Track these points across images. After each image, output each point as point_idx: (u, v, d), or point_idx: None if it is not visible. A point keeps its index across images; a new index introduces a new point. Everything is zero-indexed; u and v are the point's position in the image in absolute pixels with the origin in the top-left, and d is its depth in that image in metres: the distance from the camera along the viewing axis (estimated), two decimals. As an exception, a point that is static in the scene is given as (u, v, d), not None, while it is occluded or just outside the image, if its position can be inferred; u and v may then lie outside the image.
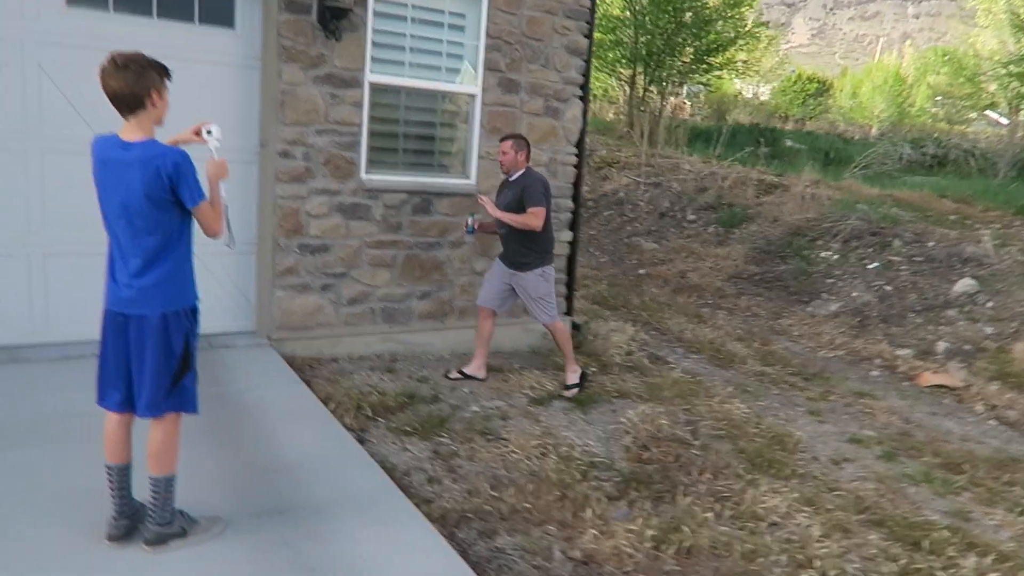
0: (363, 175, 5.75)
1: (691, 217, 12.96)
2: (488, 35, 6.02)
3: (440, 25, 5.92)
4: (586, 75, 6.50)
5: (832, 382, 6.94)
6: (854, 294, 9.46)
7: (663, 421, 5.06)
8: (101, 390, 3.03)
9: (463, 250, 6.26)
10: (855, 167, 14.38)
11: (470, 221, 5.59)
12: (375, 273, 5.93)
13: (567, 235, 6.75)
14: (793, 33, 79.62)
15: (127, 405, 3.02)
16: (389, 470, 4.06)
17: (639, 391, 5.85)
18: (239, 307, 5.67)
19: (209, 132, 3.29)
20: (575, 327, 6.94)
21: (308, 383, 5.10)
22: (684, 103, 21.94)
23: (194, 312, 3.12)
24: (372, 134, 5.79)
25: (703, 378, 6.46)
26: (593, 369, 6.23)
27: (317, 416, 4.51)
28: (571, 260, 6.81)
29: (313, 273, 5.68)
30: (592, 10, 6.42)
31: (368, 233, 5.80)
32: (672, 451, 4.72)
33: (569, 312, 6.94)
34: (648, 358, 6.83)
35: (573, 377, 5.69)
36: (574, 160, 6.64)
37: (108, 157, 2.86)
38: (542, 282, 5.48)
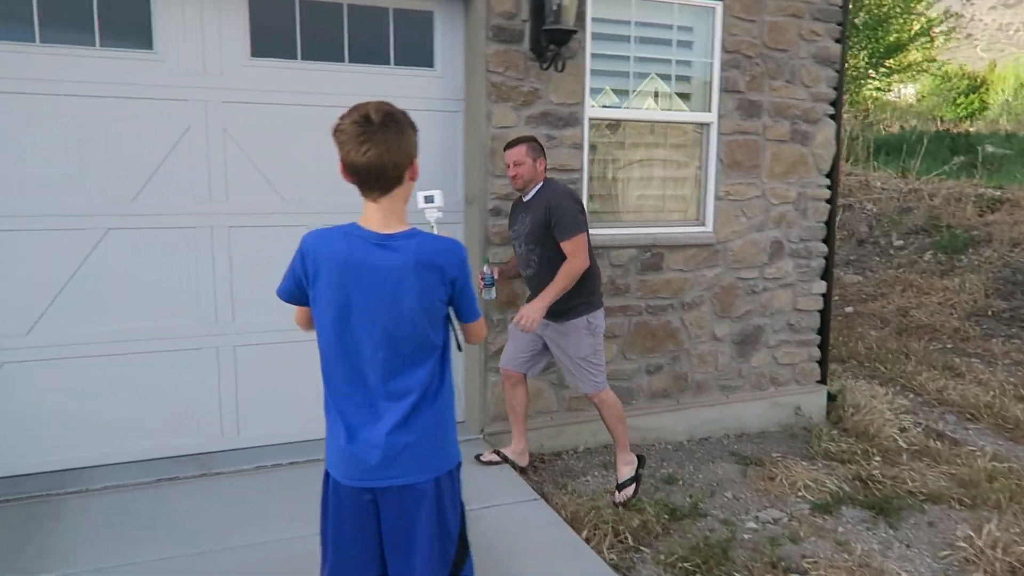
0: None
1: (898, 243, 11.32)
2: (724, 49, 4.94)
3: (667, 43, 4.89)
4: (839, 88, 5.30)
5: None
6: None
7: (1022, 547, 3.74)
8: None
9: (699, 312, 5.15)
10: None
11: (486, 271, 4.14)
12: (600, 346, 4.90)
13: (820, 286, 5.51)
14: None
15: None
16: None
17: (950, 490, 4.52)
18: (445, 394, 4.77)
19: (430, 199, 2.53)
20: (830, 398, 5.67)
21: (543, 495, 4.11)
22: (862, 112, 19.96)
23: (459, 467, 2.21)
24: (591, 179, 4.81)
25: (1017, 464, 5.03)
26: (877, 460, 4.93)
27: (570, 548, 3.50)
28: (824, 316, 5.56)
29: (530, 350, 4.72)
30: (845, 9, 5.23)
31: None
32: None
33: (823, 380, 5.68)
34: (928, 434, 5.47)
35: (628, 471, 4.22)
36: (826, 193, 5.43)
37: (362, 262, 1.97)
38: (587, 336, 4.00)
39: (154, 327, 4.10)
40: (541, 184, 4.01)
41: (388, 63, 4.39)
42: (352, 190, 2.08)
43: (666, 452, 5.03)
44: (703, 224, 5.14)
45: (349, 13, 4.28)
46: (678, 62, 4.93)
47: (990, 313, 8.89)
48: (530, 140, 4.00)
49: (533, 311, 3.79)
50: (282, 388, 4.36)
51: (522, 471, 4.36)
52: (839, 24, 5.23)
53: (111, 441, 4.10)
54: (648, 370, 5.09)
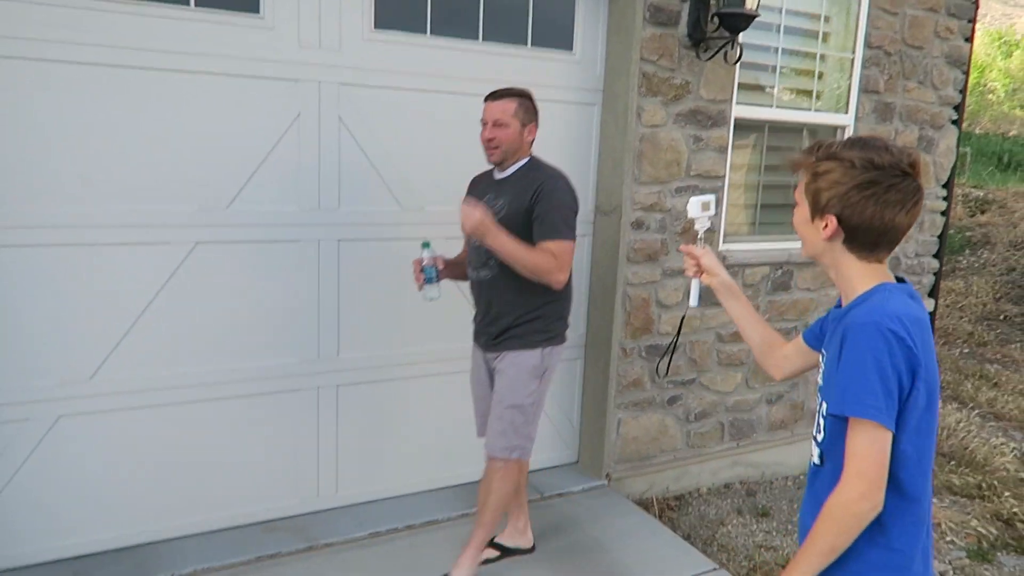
0: (722, 245, 4.17)
1: (887, 240, 11.21)
2: (868, 44, 4.42)
3: (812, 35, 4.32)
4: (964, 92, 4.88)
5: None
6: None
7: None
8: None
9: (821, 334, 4.66)
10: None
11: (426, 260, 2.86)
12: (726, 376, 4.35)
13: (928, 304, 5.12)
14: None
15: None
16: None
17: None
18: (557, 432, 4.12)
19: (708, 206, 2.15)
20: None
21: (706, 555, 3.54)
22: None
23: None
24: (731, 188, 4.22)
25: None
26: (1007, 494, 4.59)
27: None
28: (931, 335, 5.17)
29: (659, 383, 4.12)
30: (976, 5, 4.79)
31: (723, 323, 4.22)
32: None
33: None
34: (1028, 460, 5.20)
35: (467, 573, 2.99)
36: (942, 205, 5.03)
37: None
38: (529, 378, 2.85)
39: (246, 367, 3.27)
40: (526, 160, 2.89)
41: (525, 43, 3.64)
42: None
43: (789, 489, 4.54)
44: (829, 238, 4.63)
45: (485, -20, 3.51)
46: (813, 57, 4.37)
47: (1002, 318, 8.85)
48: (522, 96, 2.86)
49: (485, 233, 2.65)
50: (384, 433, 3.61)
51: (531, 551, 3.31)
52: (970, 21, 4.80)
53: (191, 506, 3.26)
54: (768, 400, 4.57)
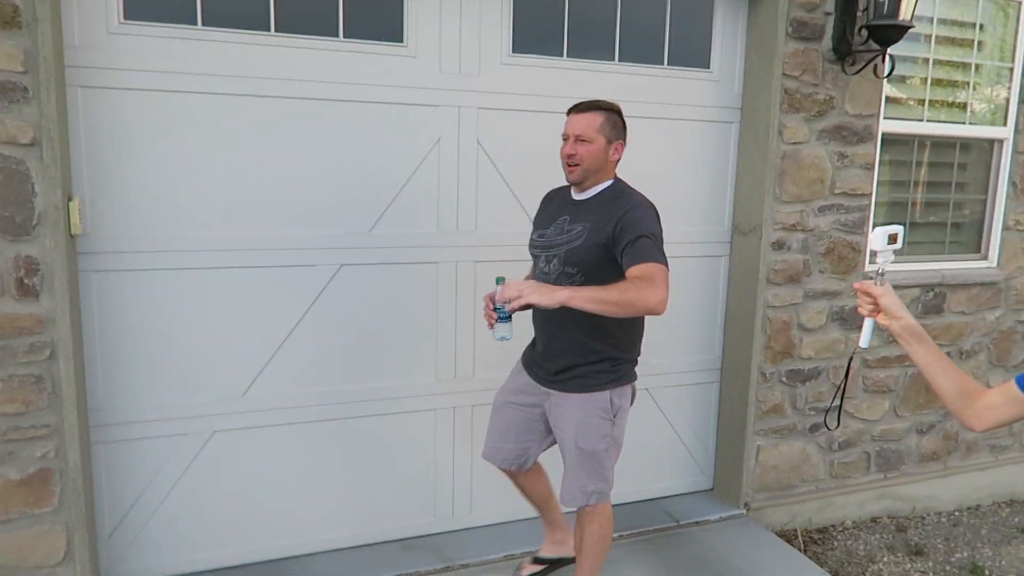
0: (868, 266, 3.97)
1: None
2: (1029, 52, 4.13)
3: (965, 44, 4.08)
4: None
5: None
6: None
7: None
8: None
9: (976, 361, 4.36)
10: None
11: (498, 297, 2.43)
12: (873, 403, 4.12)
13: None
14: None
15: None
16: None
17: None
18: (691, 457, 4.00)
19: (894, 239, 1.95)
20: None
21: (864, 600, 3.33)
22: None
23: None
24: (877, 206, 4.02)
25: None
26: None
27: None
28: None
29: (801, 410, 3.94)
30: None
31: (869, 348, 4.00)
32: None
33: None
34: None
35: None
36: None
37: None
38: (602, 421, 2.60)
39: (385, 386, 3.34)
40: (609, 183, 2.59)
41: (661, 62, 3.60)
42: None
43: (943, 527, 4.24)
44: (985, 258, 4.34)
45: (623, 1, 3.49)
46: (965, 68, 4.11)
47: None
48: (611, 110, 2.57)
49: (540, 291, 2.25)
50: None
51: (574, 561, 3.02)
52: None
53: (329, 522, 3.34)
54: (919, 430, 4.29)
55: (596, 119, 2.54)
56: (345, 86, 3.08)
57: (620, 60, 3.51)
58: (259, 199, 3.03)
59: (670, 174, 3.67)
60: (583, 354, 2.58)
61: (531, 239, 2.74)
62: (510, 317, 2.52)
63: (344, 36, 3.06)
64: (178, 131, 2.89)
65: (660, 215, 2.54)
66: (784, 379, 3.86)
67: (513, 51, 3.33)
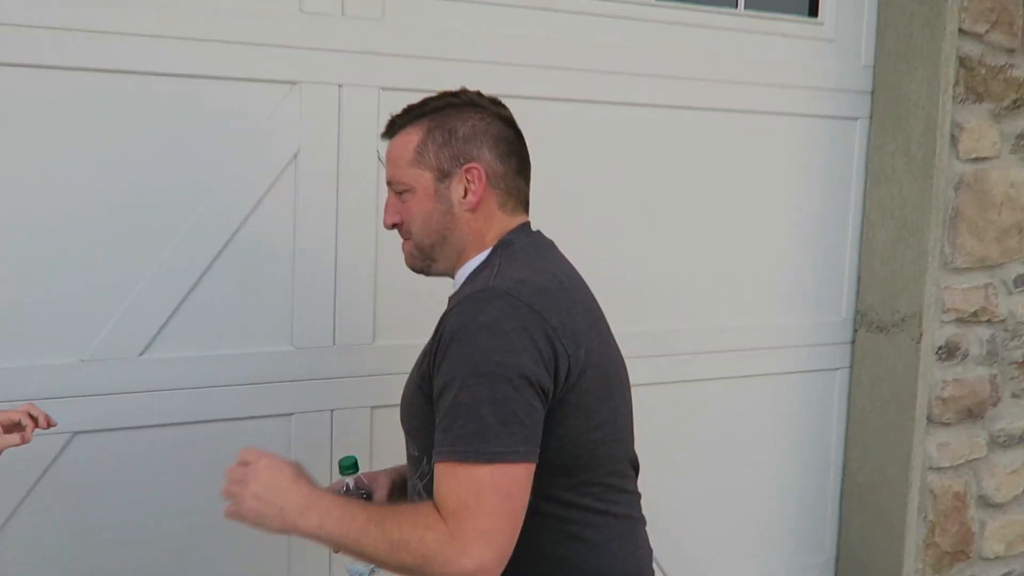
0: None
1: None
2: None
3: None
4: None
5: None
6: None
7: None
8: None
9: None
10: None
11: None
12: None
13: None
14: None
15: None
16: None
17: None
18: None
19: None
20: None
21: None
22: None
23: None
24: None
25: None
26: None
27: None
28: None
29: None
30: None
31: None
32: None
33: None
34: None
35: None
36: None
37: None
38: None
39: None
40: (482, 258, 1.09)
41: (730, 2, 1.87)
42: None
43: None
44: None
45: None
46: None
47: None
48: (437, 110, 1.10)
49: (257, 499, 0.97)
50: None
51: None
52: None
53: None
54: None
55: (410, 140, 1.10)
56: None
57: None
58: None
59: (729, 215, 1.94)
60: None
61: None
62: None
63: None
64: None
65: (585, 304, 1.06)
66: (956, 597, 2.06)
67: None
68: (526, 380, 0.92)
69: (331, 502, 0.98)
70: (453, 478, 0.92)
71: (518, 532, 0.91)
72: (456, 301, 1.02)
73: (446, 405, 0.94)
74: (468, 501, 0.90)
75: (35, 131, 1.35)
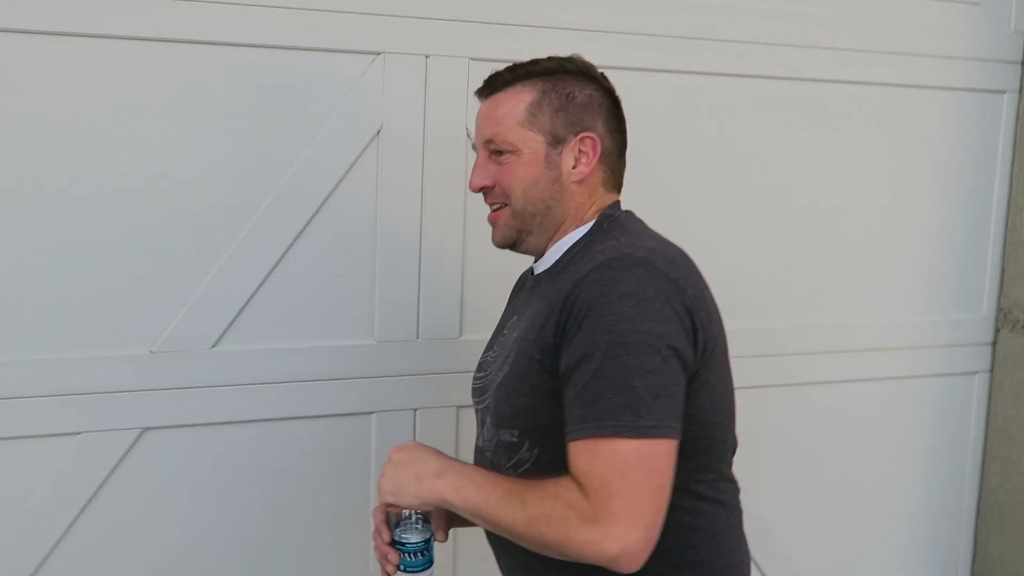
0: None
1: None
2: None
3: None
4: None
5: None
6: None
7: None
8: None
9: None
10: None
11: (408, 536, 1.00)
12: None
13: None
14: None
15: None
16: None
17: None
18: None
19: None
20: None
21: None
22: None
23: None
24: None
25: None
26: None
27: None
28: None
29: None
30: None
31: None
32: None
33: None
34: None
35: None
36: None
37: None
38: None
39: None
40: (584, 232, 1.00)
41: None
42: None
43: None
44: None
45: None
46: None
47: None
48: (554, 73, 1.00)
49: (398, 478, 0.95)
50: None
51: None
52: None
53: None
54: None
55: (521, 99, 0.99)
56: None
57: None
58: None
59: (855, 199, 1.74)
60: None
61: (474, 382, 1.17)
62: (425, 561, 1.00)
63: None
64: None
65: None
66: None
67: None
68: (674, 351, 0.86)
69: (472, 469, 0.97)
70: (593, 454, 0.84)
71: (664, 511, 0.84)
72: (591, 258, 0.92)
73: (585, 378, 0.86)
74: (612, 479, 0.83)
75: (109, 108, 1.27)
